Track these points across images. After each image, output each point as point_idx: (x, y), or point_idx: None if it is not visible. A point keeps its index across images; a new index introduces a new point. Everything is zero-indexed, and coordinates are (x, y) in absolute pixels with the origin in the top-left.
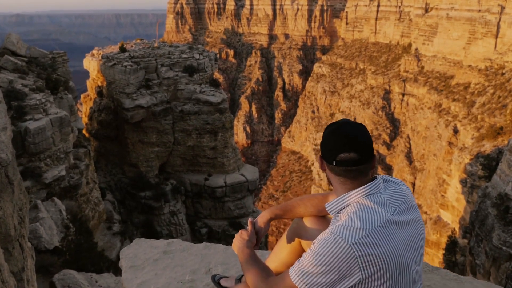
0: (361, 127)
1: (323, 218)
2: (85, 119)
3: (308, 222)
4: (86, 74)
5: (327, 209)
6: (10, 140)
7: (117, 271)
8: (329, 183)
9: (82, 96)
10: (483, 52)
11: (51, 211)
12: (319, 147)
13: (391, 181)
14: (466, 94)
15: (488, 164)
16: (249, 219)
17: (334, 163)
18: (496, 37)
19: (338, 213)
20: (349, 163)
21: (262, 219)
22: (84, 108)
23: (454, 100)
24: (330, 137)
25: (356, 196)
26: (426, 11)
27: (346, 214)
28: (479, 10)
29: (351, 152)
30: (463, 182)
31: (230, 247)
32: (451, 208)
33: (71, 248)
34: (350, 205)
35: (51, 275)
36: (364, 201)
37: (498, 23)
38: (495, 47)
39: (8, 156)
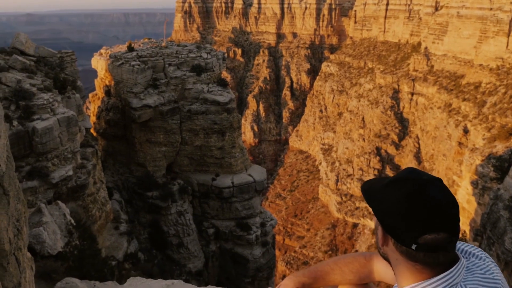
0: (444, 185)
1: (365, 287)
2: (93, 118)
3: None
4: (95, 72)
5: None
6: (5, 148)
7: (122, 276)
8: (386, 260)
9: (90, 95)
10: (495, 51)
11: (55, 215)
12: (326, 146)
13: (473, 255)
14: (476, 93)
15: (500, 165)
16: None
17: (413, 247)
18: (508, 35)
19: None
20: (436, 247)
21: None
22: (92, 107)
23: (464, 99)
24: (407, 206)
25: None
26: (436, 9)
27: None
28: (491, 9)
29: (441, 231)
30: (474, 184)
31: None
32: (461, 210)
33: (75, 254)
34: None
35: (54, 282)
36: None
37: (510, 21)
38: (507, 46)
39: (2, 167)
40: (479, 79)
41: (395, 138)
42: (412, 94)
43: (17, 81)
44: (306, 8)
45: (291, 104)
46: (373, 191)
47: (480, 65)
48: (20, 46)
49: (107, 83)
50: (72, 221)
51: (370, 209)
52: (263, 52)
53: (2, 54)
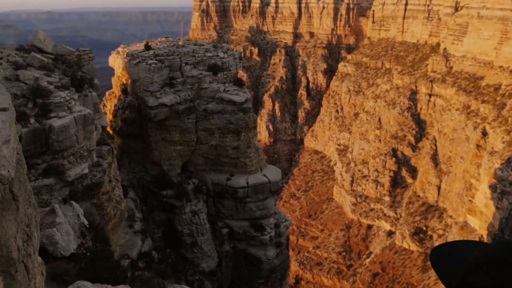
0: None
1: None
2: (109, 116)
3: None
4: (112, 70)
5: None
6: (15, 152)
7: (135, 278)
8: None
9: (107, 93)
10: None
11: (68, 215)
12: (342, 147)
13: None
14: (496, 95)
15: None
16: None
17: None
18: None
19: None
20: None
21: None
22: (109, 105)
23: (483, 101)
24: None
25: None
26: (456, 10)
27: None
28: None
29: None
30: (492, 188)
31: None
32: (479, 213)
33: (87, 256)
34: None
35: (66, 284)
36: None
37: None
38: None
39: (10, 172)
40: (499, 81)
41: (412, 139)
42: (430, 95)
43: (34, 78)
44: (323, 7)
45: (307, 104)
46: (450, 271)
47: (500, 66)
48: (39, 43)
49: (124, 82)
50: (86, 222)
51: (385, 211)
52: (279, 51)
53: (21, 51)
